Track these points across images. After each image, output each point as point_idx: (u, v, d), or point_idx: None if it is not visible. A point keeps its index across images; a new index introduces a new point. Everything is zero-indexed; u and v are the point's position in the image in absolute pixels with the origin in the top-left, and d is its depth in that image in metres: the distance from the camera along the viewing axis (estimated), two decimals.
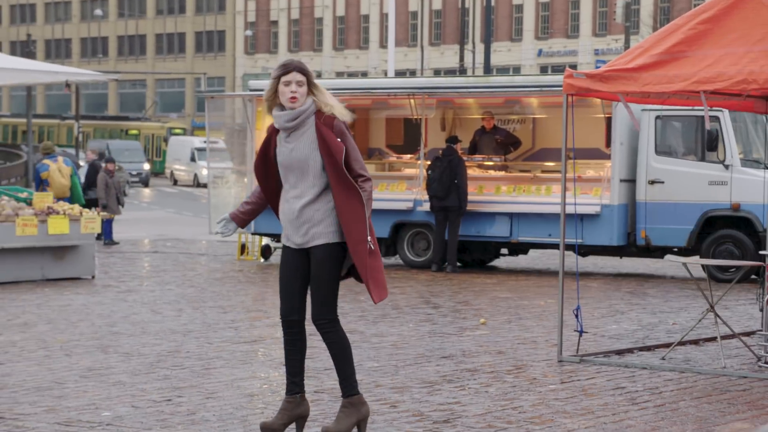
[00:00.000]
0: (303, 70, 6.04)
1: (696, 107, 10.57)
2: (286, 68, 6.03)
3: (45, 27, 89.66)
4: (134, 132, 64.53)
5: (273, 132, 6.15)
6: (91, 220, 15.35)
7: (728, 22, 8.44)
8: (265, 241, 18.95)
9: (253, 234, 18.64)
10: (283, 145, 6.08)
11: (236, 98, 20.56)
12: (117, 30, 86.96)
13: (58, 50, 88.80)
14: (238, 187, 19.57)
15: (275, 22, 78.96)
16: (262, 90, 19.02)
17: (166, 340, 9.79)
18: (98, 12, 78.94)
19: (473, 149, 17.80)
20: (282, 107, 6.06)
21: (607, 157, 16.67)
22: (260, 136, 18.44)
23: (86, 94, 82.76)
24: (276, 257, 18.98)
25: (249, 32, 78.51)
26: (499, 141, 17.66)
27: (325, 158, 5.98)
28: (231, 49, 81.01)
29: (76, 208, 15.58)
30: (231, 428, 6.42)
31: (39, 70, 19.86)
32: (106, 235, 21.83)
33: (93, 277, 15.28)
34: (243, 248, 18.92)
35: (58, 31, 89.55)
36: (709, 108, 8.78)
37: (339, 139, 6.00)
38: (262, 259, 18.76)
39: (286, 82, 6.01)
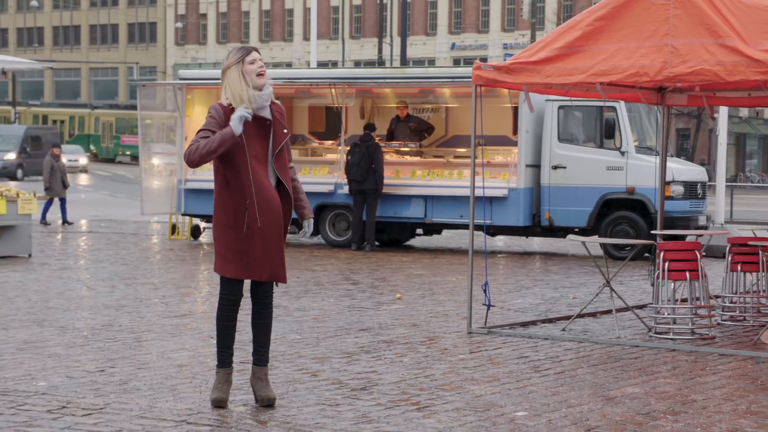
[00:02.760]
0: (259, 52, 6.10)
1: (594, 99, 10.72)
2: (247, 50, 6.03)
3: None
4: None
5: (228, 113, 5.98)
6: (28, 201, 15.10)
7: (622, 19, 8.57)
8: (195, 221, 18.81)
9: (183, 215, 18.49)
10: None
11: (167, 87, 20.30)
12: (52, 20, 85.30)
13: None
14: (168, 171, 19.38)
15: (204, 15, 78.13)
16: (192, 79, 18.93)
17: (100, 314, 9.69)
18: (34, 3, 77.37)
19: (390, 136, 17.85)
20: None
21: (514, 144, 16.83)
22: (189, 122, 18.29)
23: (23, 81, 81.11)
24: (205, 236, 18.85)
25: (179, 24, 77.58)
26: (413, 128, 17.73)
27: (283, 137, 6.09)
28: (162, 40, 79.98)
29: (13, 189, 15.32)
30: (161, 396, 6.40)
31: None
32: (42, 216, 21.54)
33: (29, 255, 15.04)
34: (174, 228, 18.76)
35: None
36: (606, 100, 8.93)
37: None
38: (191, 239, 18.63)
39: (251, 60, 5.99)
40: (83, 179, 44.66)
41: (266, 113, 6.08)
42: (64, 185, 22.01)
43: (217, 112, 6.02)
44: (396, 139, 17.81)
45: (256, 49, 6.09)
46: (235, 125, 5.92)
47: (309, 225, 6.21)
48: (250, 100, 5.99)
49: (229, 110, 6.00)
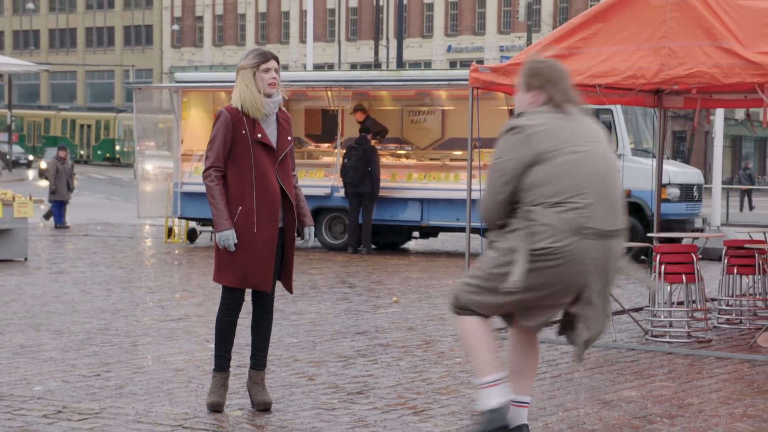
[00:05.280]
0: (278, 60, 6.08)
1: (592, 105, 10.71)
2: (265, 56, 6.00)
3: None
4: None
5: (236, 117, 5.98)
6: (24, 204, 15.08)
7: (620, 22, 8.58)
8: (192, 224, 18.80)
9: (180, 218, 18.47)
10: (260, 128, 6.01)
11: (163, 90, 20.32)
12: (48, 23, 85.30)
13: None
14: (165, 174, 19.38)
15: (200, 18, 78.15)
16: (188, 82, 18.92)
17: (96, 318, 9.67)
18: (30, 6, 77.35)
19: (321, 139, 18.19)
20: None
21: None
22: (186, 125, 18.28)
23: (19, 84, 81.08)
24: (201, 240, 18.84)
25: (175, 27, 77.59)
26: (368, 131, 17.69)
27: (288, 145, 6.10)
28: (158, 43, 79.99)
29: (9, 193, 15.30)
30: (157, 401, 6.38)
31: None
32: (57, 219, 21.56)
33: (25, 259, 15.02)
34: (170, 231, 18.74)
35: None
36: (605, 105, 8.93)
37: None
38: (188, 242, 18.61)
39: (266, 69, 5.99)
40: (74, 182, 44.54)
41: (272, 121, 6.08)
42: (69, 188, 22.02)
43: (225, 119, 5.99)
44: (318, 141, 18.11)
45: (274, 57, 6.05)
46: (224, 242, 5.94)
47: (310, 233, 6.20)
48: (258, 107, 5.99)
49: (238, 113, 6.01)
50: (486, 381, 5.10)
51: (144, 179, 19.37)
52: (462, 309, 5.14)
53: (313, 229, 6.23)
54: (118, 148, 61.63)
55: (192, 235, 18.70)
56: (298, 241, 6.26)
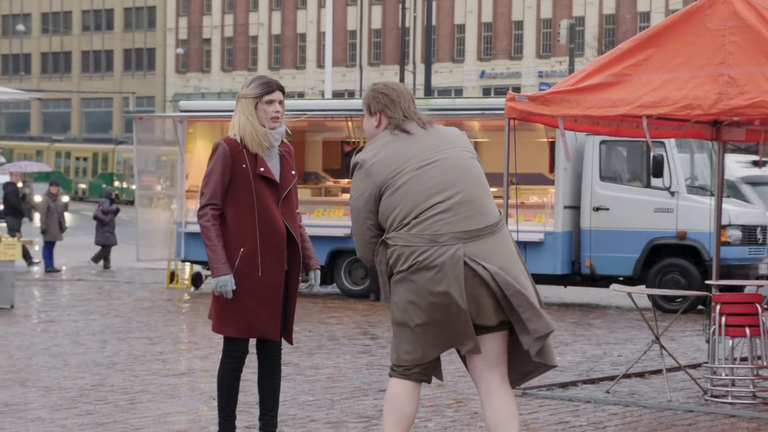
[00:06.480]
0: (283, 90, 6.13)
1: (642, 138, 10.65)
2: (270, 87, 6.03)
3: None
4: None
5: (236, 149, 6.01)
6: (10, 246, 15.15)
7: (674, 47, 8.57)
8: (196, 268, 18.83)
9: (183, 261, 18.51)
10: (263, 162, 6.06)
11: (166, 119, 20.45)
12: (41, 46, 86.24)
13: None
14: (168, 212, 19.44)
15: (208, 40, 78.82)
16: (194, 111, 19.04)
17: (89, 373, 9.67)
18: (21, 27, 78.22)
19: (340, 174, 18.30)
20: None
21: (551, 182, 16.81)
22: (191, 159, 18.37)
23: (7, 113, 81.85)
24: (207, 285, 18.87)
25: (180, 50, 78.28)
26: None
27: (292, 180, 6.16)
28: (161, 68, 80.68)
29: None
30: None
31: None
32: (46, 261, 21.68)
33: (12, 306, 15.07)
34: (172, 276, 18.78)
35: None
36: (651, 140, 8.88)
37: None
38: (192, 288, 18.63)
39: (269, 100, 6.02)
40: (67, 220, 44.80)
41: (274, 153, 6.10)
42: (61, 228, 22.14)
43: (224, 152, 6.00)
44: (337, 176, 18.23)
45: (280, 88, 6.09)
46: (221, 288, 5.96)
47: (316, 277, 6.21)
48: (260, 141, 6.00)
49: (237, 146, 6.01)
50: None
51: (144, 218, 19.44)
52: (395, 366, 5.37)
53: (319, 273, 6.25)
54: (117, 183, 62.00)
55: (197, 280, 18.73)
56: (302, 287, 6.25)
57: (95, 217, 22.56)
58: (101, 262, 22.74)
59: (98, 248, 22.84)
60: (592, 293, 18.83)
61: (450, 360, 10.91)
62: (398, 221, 5.25)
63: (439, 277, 5.18)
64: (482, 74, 68.59)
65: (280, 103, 6.07)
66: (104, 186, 55.30)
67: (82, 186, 63.48)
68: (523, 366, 5.44)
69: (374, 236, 5.34)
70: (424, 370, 5.34)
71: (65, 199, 51.78)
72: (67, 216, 39.52)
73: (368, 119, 5.49)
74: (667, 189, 16.28)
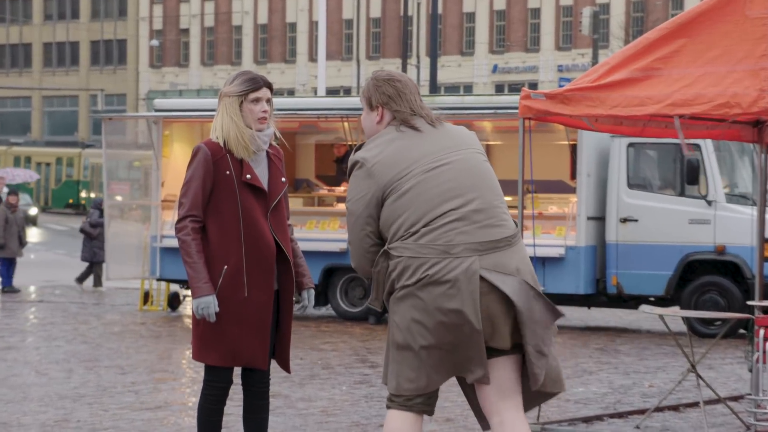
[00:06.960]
0: (271, 87, 6.13)
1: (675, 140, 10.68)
2: (256, 83, 6.05)
3: None
4: None
5: (218, 154, 6.02)
6: None
7: (708, 37, 8.57)
8: (174, 288, 18.85)
9: (158, 280, 18.53)
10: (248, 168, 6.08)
11: (139, 120, 20.48)
12: None
13: None
14: (141, 225, 19.46)
15: (186, 31, 78.97)
16: (170, 110, 19.08)
17: (53, 407, 9.68)
18: None
19: (335, 182, 18.41)
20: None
21: (573, 190, 16.83)
22: (167, 165, 18.40)
23: None
24: (185, 307, 18.88)
25: (155, 42, 78.38)
26: (345, 169, 17.98)
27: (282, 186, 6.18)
28: (133, 62, 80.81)
29: None
30: None
31: None
32: (4, 280, 21.66)
33: None
34: (146, 297, 18.80)
35: None
36: (685, 140, 8.89)
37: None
38: (169, 310, 18.65)
39: (255, 99, 6.04)
40: (33, 234, 44.88)
41: (262, 158, 6.11)
42: (21, 243, 22.13)
43: (205, 157, 6.01)
44: (337, 184, 18.32)
45: (267, 84, 6.09)
46: (203, 311, 5.96)
47: (309, 296, 6.22)
48: (246, 144, 6.01)
49: (220, 150, 6.02)
50: None
51: (114, 232, 19.46)
52: (394, 396, 5.32)
53: (313, 292, 6.25)
54: (83, 193, 62.00)
55: (174, 301, 18.75)
56: (296, 309, 6.25)
57: (82, 230, 22.53)
58: (90, 280, 22.66)
59: (84, 266, 22.74)
60: (619, 315, 18.83)
61: (458, 392, 10.92)
62: (404, 229, 5.17)
63: (452, 293, 5.11)
64: (494, 69, 68.72)
65: (268, 101, 6.08)
66: (93, 196, 55.30)
67: (44, 195, 63.57)
68: (527, 390, 5.36)
69: (374, 245, 5.27)
70: (428, 400, 5.29)
71: (34, 211, 51.86)
72: (35, 230, 39.39)
73: (368, 115, 5.40)
74: (704, 198, 16.30)
